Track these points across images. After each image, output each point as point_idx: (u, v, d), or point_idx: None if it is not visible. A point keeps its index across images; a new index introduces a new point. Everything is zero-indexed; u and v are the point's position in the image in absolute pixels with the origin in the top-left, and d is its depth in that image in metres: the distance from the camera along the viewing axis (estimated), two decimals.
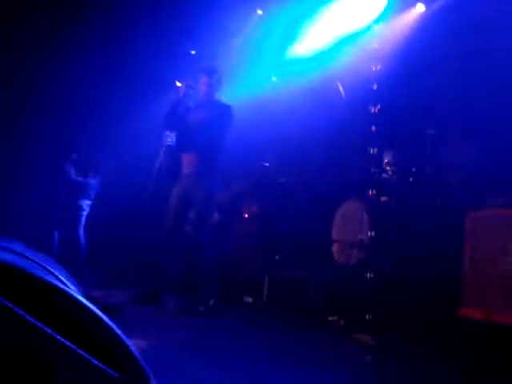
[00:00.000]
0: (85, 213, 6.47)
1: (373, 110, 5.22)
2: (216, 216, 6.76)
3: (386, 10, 5.94)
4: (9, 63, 6.57)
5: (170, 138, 5.21)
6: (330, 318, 4.97)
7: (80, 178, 6.50)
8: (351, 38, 6.30)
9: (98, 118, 6.82)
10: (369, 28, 6.06)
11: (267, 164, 6.88)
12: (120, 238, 6.83)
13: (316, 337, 4.38)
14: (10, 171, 6.75)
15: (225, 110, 5.10)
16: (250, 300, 6.13)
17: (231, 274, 6.62)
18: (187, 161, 5.09)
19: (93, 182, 6.53)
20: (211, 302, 4.81)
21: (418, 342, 3.96)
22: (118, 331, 1.26)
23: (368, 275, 4.78)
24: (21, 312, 1.20)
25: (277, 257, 6.23)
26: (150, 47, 6.79)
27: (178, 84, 5.15)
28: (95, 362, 1.10)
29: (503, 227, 4.05)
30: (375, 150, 5.24)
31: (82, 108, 7.01)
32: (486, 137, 4.88)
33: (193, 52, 6.88)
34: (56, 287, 1.26)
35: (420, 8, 5.93)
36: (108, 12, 6.69)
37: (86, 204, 6.47)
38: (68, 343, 1.12)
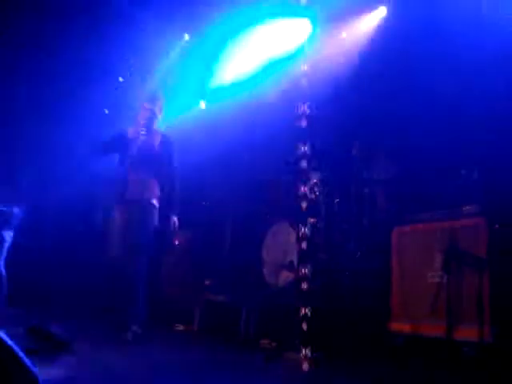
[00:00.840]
0: (6, 244, 6.18)
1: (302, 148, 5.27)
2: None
3: (312, 35, 6.07)
4: None
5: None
6: (261, 341, 4.89)
7: (3, 208, 6.22)
8: (277, 65, 6.39)
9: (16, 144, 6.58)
10: (297, 52, 6.15)
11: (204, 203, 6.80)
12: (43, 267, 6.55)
13: (245, 357, 4.28)
14: None
15: (167, 140, 5.09)
16: (181, 328, 5.96)
17: (162, 302, 6.45)
18: (132, 187, 4.92)
19: (16, 211, 6.25)
20: (136, 328, 4.62)
21: (349, 357, 3.93)
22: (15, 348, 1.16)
23: (298, 297, 4.75)
24: None
25: (207, 282, 6.11)
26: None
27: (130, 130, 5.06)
28: None
29: (427, 241, 4.12)
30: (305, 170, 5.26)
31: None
32: (407, 155, 5.02)
33: (121, 79, 6.81)
34: None
35: (345, 32, 6.09)
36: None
37: (8, 235, 6.19)
38: None
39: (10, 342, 1.16)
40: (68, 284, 5.93)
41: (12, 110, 6.56)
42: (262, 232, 5.82)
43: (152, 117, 5.08)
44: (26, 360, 1.20)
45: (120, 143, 5.03)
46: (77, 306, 5.17)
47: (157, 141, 5.02)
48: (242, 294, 5.55)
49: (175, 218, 5.04)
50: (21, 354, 1.17)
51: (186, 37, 6.91)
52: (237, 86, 6.83)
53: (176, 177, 5.07)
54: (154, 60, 6.94)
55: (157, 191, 4.96)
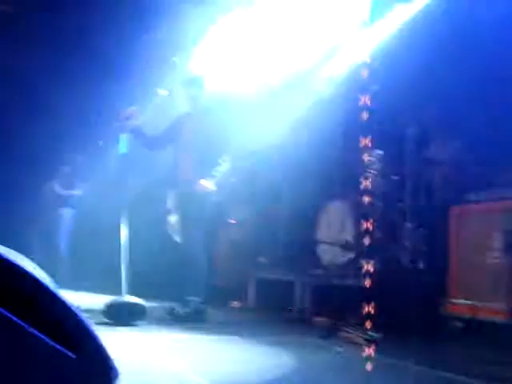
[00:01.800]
0: (65, 221, 6.44)
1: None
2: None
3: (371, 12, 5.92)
4: None
5: None
6: (316, 319, 4.93)
7: (65, 192, 6.47)
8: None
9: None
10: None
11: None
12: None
13: (303, 337, 4.33)
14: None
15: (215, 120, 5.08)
16: (236, 305, 6.07)
17: (217, 279, 6.57)
18: (184, 169, 5.01)
19: (77, 193, 6.50)
20: (196, 304, 4.74)
21: (406, 338, 3.92)
22: (80, 314, 1.22)
23: (354, 275, 4.75)
24: None
25: (262, 259, 6.18)
26: None
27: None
28: (50, 342, 1.06)
29: (486, 221, 4.04)
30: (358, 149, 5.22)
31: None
32: (467, 134, 4.90)
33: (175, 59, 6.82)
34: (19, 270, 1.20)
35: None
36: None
37: (66, 213, 6.45)
38: (24, 325, 1.08)
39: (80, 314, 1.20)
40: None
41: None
42: (316, 210, 5.83)
43: (192, 102, 5.14)
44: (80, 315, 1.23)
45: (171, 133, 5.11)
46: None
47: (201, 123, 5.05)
48: (297, 271, 5.60)
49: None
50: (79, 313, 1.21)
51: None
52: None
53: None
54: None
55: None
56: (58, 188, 6.44)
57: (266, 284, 5.98)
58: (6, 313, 0.99)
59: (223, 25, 6.18)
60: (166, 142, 5.22)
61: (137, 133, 4.99)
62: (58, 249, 6.26)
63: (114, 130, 4.99)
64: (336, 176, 5.88)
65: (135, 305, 4.27)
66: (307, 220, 5.88)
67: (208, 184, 4.93)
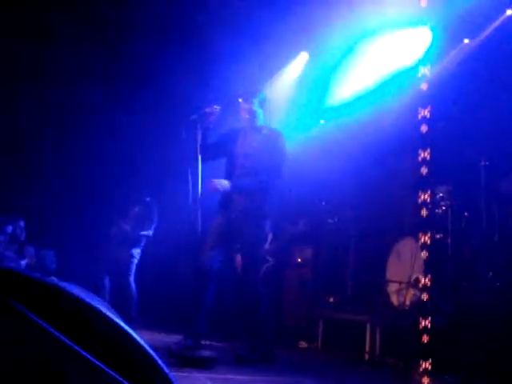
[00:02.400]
0: (135, 261, 6.56)
1: (422, 155, 5.11)
2: (269, 260, 6.72)
3: (431, 48, 5.88)
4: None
5: None
6: (387, 360, 4.76)
7: (135, 232, 6.60)
8: (397, 79, 6.25)
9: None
10: (414, 68, 6.00)
11: (323, 203, 6.77)
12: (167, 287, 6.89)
13: (374, 380, 4.19)
14: (70, 215, 7.00)
15: (275, 137, 4.66)
16: (304, 345, 5.97)
17: (285, 318, 6.50)
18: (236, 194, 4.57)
19: (147, 233, 6.64)
20: (265, 348, 4.53)
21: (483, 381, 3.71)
22: (155, 356, 1.24)
23: (426, 316, 4.58)
24: (51, 328, 1.18)
25: (331, 299, 6.08)
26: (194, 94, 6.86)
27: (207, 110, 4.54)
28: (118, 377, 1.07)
29: None
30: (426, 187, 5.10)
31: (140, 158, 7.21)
32: None
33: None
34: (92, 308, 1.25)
35: (467, 43, 5.84)
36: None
37: (136, 253, 6.57)
38: (104, 367, 1.11)
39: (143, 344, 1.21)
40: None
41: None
42: (385, 249, 5.71)
43: (251, 116, 4.70)
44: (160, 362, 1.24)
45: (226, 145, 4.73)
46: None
47: (266, 141, 4.64)
48: (367, 311, 5.46)
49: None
50: (154, 355, 1.22)
51: (304, 55, 6.98)
52: (356, 101, 6.77)
53: (273, 179, 4.58)
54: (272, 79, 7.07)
55: (265, 198, 4.59)
56: (128, 228, 6.60)
57: (335, 324, 5.86)
58: (85, 354, 1.01)
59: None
60: (215, 153, 4.77)
61: (205, 133, 4.61)
62: (128, 289, 6.37)
63: (189, 123, 4.55)
64: (406, 213, 5.75)
65: (205, 354, 4.16)
66: (376, 259, 5.76)
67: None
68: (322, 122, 7.54)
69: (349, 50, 6.41)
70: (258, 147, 4.62)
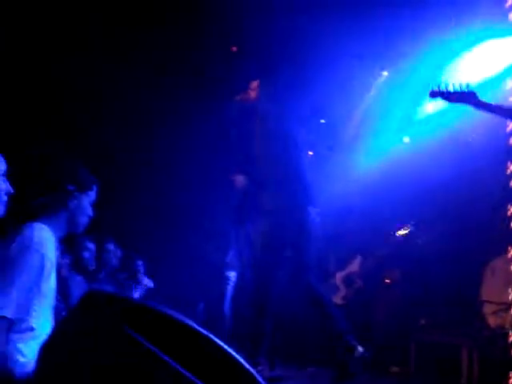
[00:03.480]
0: (231, 283, 6.54)
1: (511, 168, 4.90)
2: (359, 283, 6.63)
3: None
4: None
5: None
6: None
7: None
8: (482, 92, 6.04)
9: None
10: (500, 80, 5.78)
11: (412, 226, 6.59)
12: None
13: None
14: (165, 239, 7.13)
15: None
16: (396, 369, 5.79)
17: (375, 342, 6.35)
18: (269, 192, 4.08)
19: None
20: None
21: None
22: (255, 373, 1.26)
23: None
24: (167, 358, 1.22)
25: (422, 321, 5.87)
26: None
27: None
28: None
29: None
30: None
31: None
32: None
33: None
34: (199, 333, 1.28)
35: None
36: None
37: (232, 275, 6.56)
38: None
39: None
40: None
41: None
42: (478, 268, 5.48)
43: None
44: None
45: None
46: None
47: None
48: (462, 334, 5.23)
49: None
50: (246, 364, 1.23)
51: (385, 73, 6.89)
52: (442, 116, 6.59)
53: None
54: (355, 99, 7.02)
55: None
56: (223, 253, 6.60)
57: (427, 347, 5.64)
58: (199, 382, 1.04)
59: None
60: None
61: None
62: (223, 318, 6.32)
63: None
64: (496, 229, 5.51)
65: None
66: (470, 278, 5.53)
67: None
68: (405, 139, 7.39)
69: (433, 64, 6.25)
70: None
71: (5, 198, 2.02)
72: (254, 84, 4.34)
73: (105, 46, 6.34)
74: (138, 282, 6.42)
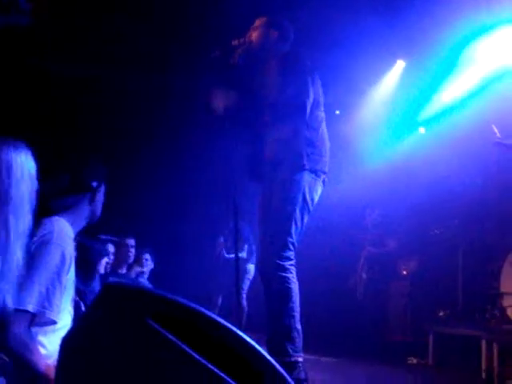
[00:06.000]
0: (250, 277, 6.52)
1: None
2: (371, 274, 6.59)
3: None
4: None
5: None
6: (507, 382, 4.49)
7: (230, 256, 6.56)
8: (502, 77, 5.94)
9: None
10: None
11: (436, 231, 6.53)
12: None
13: None
14: (180, 237, 7.16)
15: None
16: (414, 361, 5.76)
17: (391, 333, 6.33)
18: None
19: (242, 256, 6.59)
20: None
21: None
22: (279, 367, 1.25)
23: None
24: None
25: (441, 313, 5.82)
26: None
27: None
28: None
29: None
30: None
31: None
32: None
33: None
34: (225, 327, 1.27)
35: None
36: None
37: (249, 268, 6.54)
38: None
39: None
40: None
41: None
42: (497, 260, 5.41)
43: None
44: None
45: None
46: None
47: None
48: (481, 326, 5.17)
49: None
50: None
51: (400, 63, 6.82)
52: (457, 107, 6.52)
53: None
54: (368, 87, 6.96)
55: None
56: (224, 251, 6.61)
57: (446, 339, 5.60)
58: (221, 374, 1.04)
59: None
60: None
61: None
62: (241, 311, 6.31)
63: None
64: None
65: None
66: (489, 270, 5.47)
67: None
68: (421, 130, 7.33)
69: (453, 53, 6.15)
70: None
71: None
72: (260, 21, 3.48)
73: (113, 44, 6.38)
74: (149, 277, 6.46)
